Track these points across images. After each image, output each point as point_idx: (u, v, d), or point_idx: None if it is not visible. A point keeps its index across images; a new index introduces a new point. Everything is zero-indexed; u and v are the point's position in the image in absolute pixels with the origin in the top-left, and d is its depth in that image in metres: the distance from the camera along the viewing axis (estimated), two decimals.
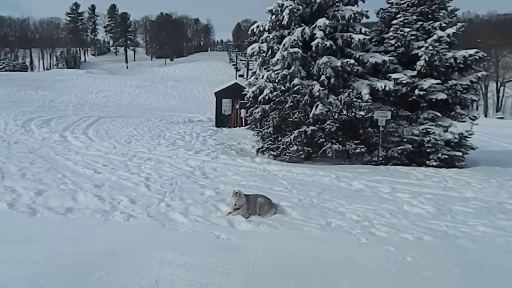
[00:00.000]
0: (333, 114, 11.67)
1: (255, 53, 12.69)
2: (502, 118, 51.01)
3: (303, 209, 5.93)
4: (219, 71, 70.54)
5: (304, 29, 11.47)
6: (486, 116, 55.41)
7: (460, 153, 11.39)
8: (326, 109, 11.09)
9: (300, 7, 11.72)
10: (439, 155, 11.22)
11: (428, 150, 11.39)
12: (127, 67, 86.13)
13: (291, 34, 11.63)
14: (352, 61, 11.28)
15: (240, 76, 56.62)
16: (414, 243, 4.75)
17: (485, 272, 4.00)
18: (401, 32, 12.00)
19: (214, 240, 4.48)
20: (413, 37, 12.00)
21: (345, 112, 12.13)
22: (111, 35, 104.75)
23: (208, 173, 8.60)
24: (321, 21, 11.28)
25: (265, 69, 13.03)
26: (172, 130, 17.72)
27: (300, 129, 11.43)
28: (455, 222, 5.76)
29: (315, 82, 11.33)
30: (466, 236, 5.10)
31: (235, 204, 5.42)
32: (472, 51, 11.88)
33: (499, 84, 62.50)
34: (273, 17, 12.27)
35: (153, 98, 43.13)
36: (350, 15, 11.48)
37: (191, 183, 7.49)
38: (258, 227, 5.00)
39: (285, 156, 11.58)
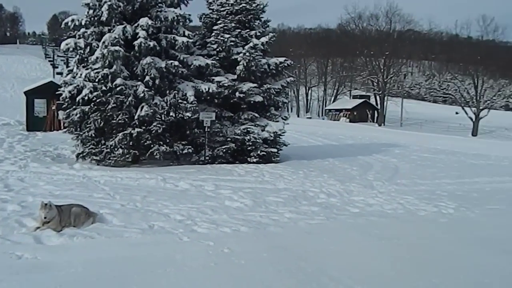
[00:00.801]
0: (160, 115, 11.59)
1: (71, 49, 11.64)
2: (310, 118, 59.41)
3: (125, 214, 5.71)
4: (32, 68, 61.74)
5: (125, 27, 11.04)
6: (298, 116, 63.63)
7: (275, 150, 12.79)
8: (152, 110, 10.93)
9: (121, 4, 11.22)
10: (258, 152, 12.37)
11: (249, 148, 12.42)
12: None
13: (111, 31, 11.05)
14: (176, 63, 11.40)
15: (58, 74, 50.78)
16: (232, 235, 5.12)
17: (287, 252, 4.60)
18: (222, 38, 12.74)
19: (15, 261, 3.91)
20: (232, 43, 12.89)
21: (172, 113, 12.21)
22: None
23: (13, 185, 7.45)
24: (144, 21, 11.06)
25: (83, 67, 12.01)
26: None
27: (126, 132, 10.96)
28: (268, 211, 6.46)
29: (139, 82, 11.04)
30: (275, 223, 5.77)
31: (44, 217, 4.84)
32: (282, 59, 13.47)
33: (307, 88, 72.56)
34: (91, 11, 11.44)
35: None
36: (173, 17, 11.59)
37: None
38: (71, 239, 4.59)
39: (110, 161, 10.95)
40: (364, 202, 7.61)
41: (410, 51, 69.17)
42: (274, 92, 13.03)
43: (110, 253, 4.27)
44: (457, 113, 61.74)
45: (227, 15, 13.29)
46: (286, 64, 13.49)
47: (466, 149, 20.92)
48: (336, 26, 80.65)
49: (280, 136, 13.03)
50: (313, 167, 11.83)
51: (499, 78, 56.04)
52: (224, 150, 12.28)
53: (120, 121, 11.06)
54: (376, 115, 59.79)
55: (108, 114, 11.07)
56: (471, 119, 51.04)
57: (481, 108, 51.64)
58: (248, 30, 13.40)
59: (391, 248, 4.94)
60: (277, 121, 13.03)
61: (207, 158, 12.13)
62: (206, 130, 11.99)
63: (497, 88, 54.50)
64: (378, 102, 60.17)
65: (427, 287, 3.84)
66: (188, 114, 12.12)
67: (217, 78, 12.39)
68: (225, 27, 12.90)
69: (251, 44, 12.62)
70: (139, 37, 10.92)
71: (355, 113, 58.11)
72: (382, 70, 58.42)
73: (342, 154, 15.33)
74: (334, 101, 72.01)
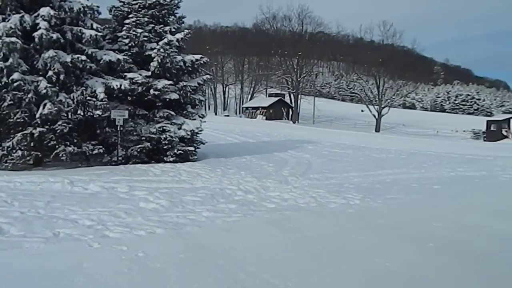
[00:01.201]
0: (66, 113, 10.76)
1: None
2: (228, 115, 59.77)
3: (26, 223, 5.20)
4: None
5: (23, 16, 10.05)
6: (216, 114, 63.63)
7: (192, 148, 12.63)
8: (56, 108, 10.10)
9: None
10: (175, 151, 12.11)
11: (165, 147, 12.10)
12: None
13: (6, 20, 9.97)
14: (84, 57, 10.68)
15: None
16: (147, 238, 4.94)
17: (205, 251, 4.57)
18: (134, 32, 12.22)
19: None
20: (146, 39, 12.42)
21: (80, 111, 11.42)
22: None
23: None
24: (45, 10, 10.16)
25: None
26: None
27: (25, 131, 9.99)
28: (185, 211, 6.35)
29: (41, 78, 10.13)
30: (193, 222, 5.71)
31: None
32: (198, 56, 13.33)
33: (224, 86, 72.86)
34: None
35: None
36: (79, 8, 10.84)
37: None
38: None
39: (7, 164, 9.91)
40: (279, 197, 7.86)
41: (320, 52, 73.04)
42: (191, 90, 12.85)
43: (6, 267, 3.85)
44: (362, 111, 66.67)
45: (139, 9, 12.77)
46: (202, 62, 13.39)
47: (371, 144, 22.72)
48: (251, 25, 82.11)
49: (198, 134, 12.91)
50: (230, 165, 11.92)
51: (397, 79, 61.66)
52: (139, 150, 11.81)
53: (18, 120, 10.06)
54: (291, 112, 62.13)
55: (4, 112, 10.00)
56: (375, 116, 55.57)
57: (382, 106, 56.46)
58: (162, 25, 13.03)
59: (305, 240, 5.17)
60: (194, 119, 12.88)
61: (120, 158, 11.57)
62: (118, 129, 11.41)
63: (395, 88, 59.92)
64: (293, 100, 62.61)
65: (337, 274, 4.09)
66: (98, 112, 11.45)
67: (129, 75, 11.86)
68: (138, 22, 12.39)
69: (165, 40, 12.29)
70: (40, 28, 10.01)
71: (271, 111, 59.76)
72: (295, 70, 60.82)
73: (259, 151, 15.67)
74: (251, 99, 73.30)
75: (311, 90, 67.54)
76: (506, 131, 49.97)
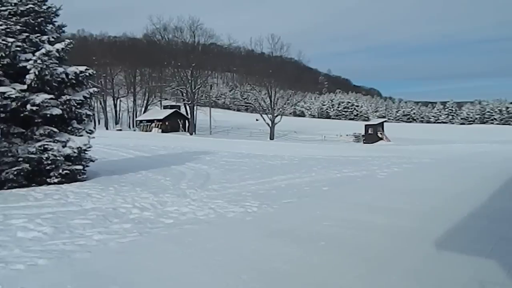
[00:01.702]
0: None
1: None
2: (120, 130, 56.84)
3: None
4: None
5: None
6: (107, 128, 60.04)
7: (81, 167, 11.68)
8: None
9: None
10: (60, 171, 11.06)
11: (48, 168, 10.97)
12: None
13: None
14: None
15: None
16: (27, 272, 4.40)
17: (97, 278, 4.24)
18: (5, 42, 10.89)
19: None
20: (19, 49, 11.17)
21: None
22: None
23: None
24: None
25: None
26: None
27: None
28: (73, 237, 5.83)
29: None
30: (82, 248, 5.26)
31: None
32: (82, 68, 12.42)
33: (115, 99, 69.29)
34: None
35: None
36: None
37: None
38: None
39: None
40: (178, 211, 7.69)
41: (214, 63, 74.28)
42: (76, 104, 11.90)
43: None
44: (257, 120, 69.19)
45: (9, 16, 11.45)
46: (88, 74, 12.50)
47: (266, 152, 23.63)
48: (142, 36, 79.64)
49: (86, 152, 11.98)
50: (124, 182, 11.32)
51: (287, 89, 65.52)
52: (16, 172, 10.51)
53: None
54: (187, 124, 61.59)
55: None
56: (269, 124, 58.09)
57: (275, 115, 59.33)
58: (39, 34, 11.88)
59: (205, 253, 5.13)
60: (81, 135, 11.94)
61: None
62: None
63: (286, 97, 63.50)
64: (189, 112, 62.18)
65: (238, 284, 4.13)
66: None
67: (1, 89, 10.53)
68: (8, 30, 11.09)
69: (43, 51, 11.21)
70: None
71: (167, 123, 58.50)
72: (190, 81, 60.64)
73: (155, 166, 15.17)
74: (144, 111, 70.85)
75: (207, 101, 67.96)
76: (380, 133, 56.37)
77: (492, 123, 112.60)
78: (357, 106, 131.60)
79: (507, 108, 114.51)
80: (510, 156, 21.36)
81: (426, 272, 4.48)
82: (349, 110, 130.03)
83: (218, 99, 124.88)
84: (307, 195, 9.47)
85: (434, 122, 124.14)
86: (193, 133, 57.07)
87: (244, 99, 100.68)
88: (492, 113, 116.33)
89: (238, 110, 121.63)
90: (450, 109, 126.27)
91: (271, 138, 56.12)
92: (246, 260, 4.87)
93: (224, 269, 4.58)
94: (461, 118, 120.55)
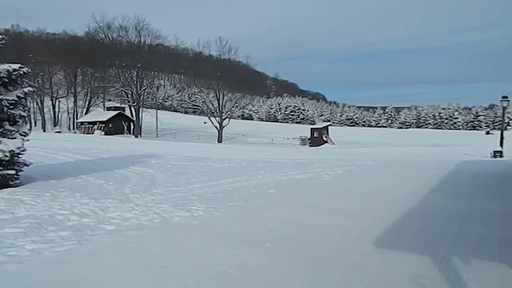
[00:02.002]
0: None
1: None
2: (59, 132, 53.89)
3: None
4: None
5: None
6: (44, 131, 56.67)
7: (13, 171, 10.89)
8: None
9: None
10: None
11: None
12: None
13: None
14: None
15: None
16: None
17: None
18: None
19: None
20: None
21: None
22: None
23: None
24: None
25: None
26: None
27: None
28: (3, 247, 5.41)
29: None
30: (13, 259, 4.90)
31: None
32: (16, 66, 11.61)
33: (54, 100, 65.59)
34: None
35: None
36: None
37: None
38: None
39: None
40: (120, 217, 7.42)
41: (161, 64, 72.59)
42: (8, 104, 11.09)
43: None
44: (205, 122, 68.71)
45: None
46: (22, 72, 11.70)
47: (214, 155, 23.49)
48: (84, 34, 76.01)
49: (19, 155, 11.19)
50: (63, 187, 10.71)
51: (235, 92, 65.70)
52: None
53: None
54: (132, 126, 59.69)
55: None
56: (217, 127, 57.88)
57: (223, 117, 59.23)
58: None
59: (149, 260, 4.98)
60: (14, 138, 11.14)
61: None
62: None
63: (234, 100, 63.65)
64: (134, 114, 60.31)
65: None
66: None
67: None
68: None
69: None
70: None
71: (110, 125, 56.33)
72: (135, 82, 58.88)
73: (97, 169, 14.52)
74: (86, 113, 67.72)
75: (153, 103, 66.38)
76: (325, 137, 58.24)
77: (426, 127, 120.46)
78: (304, 110, 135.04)
79: (440, 113, 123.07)
80: (443, 158, 22.94)
81: (365, 270, 4.67)
82: (296, 114, 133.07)
83: (165, 101, 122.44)
84: (254, 198, 9.53)
85: (375, 126, 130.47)
86: (139, 135, 55.40)
87: (192, 101, 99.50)
88: (426, 118, 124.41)
89: (186, 113, 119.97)
90: (389, 114, 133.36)
91: (219, 141, 55.93)
92: (191, 265, 4.79)
93: (168, 275, 4.47)
94: (399, 123, 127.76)
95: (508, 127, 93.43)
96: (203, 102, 68.99)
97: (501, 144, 25.05)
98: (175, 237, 6.08)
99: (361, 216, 7.53)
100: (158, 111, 65.09)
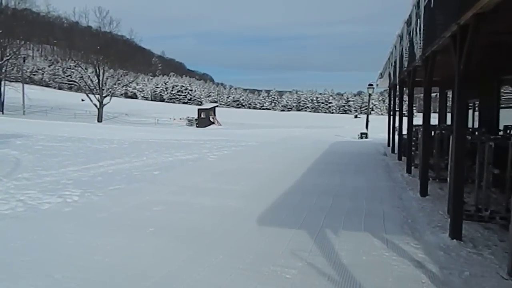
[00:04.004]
0: None
1: None
2: None
3: None
4: None
5: None
6: None
7: None
8: None
9: None
10: None
11: None
12: None
13: None
14: None
15: None
16: None
17: None
18: None
19: None
20: None
21: None
22: None
23: None
24: None
25: None
26: None
27: None
28: None
29: None
30: None
31: None
32: None
33: None
34: None
35: None
36: None
37: None
38: None
39: None
40: None
41: (29, 32, 63.88)
42: None
43: None
44: (83, 100, 63.20)
45: None
46: None
47: (93, 135, 21.73)
48: None
49: None
50: None
51: (118, 68, 61.42)
52: None
53: None
54: None
55: None
56: (96, 106, 53.67)
57: (104, 95, 55.17)
58: None
59: (9, 254, 4.34)
60: None
61: None
62: None
63: (116, 77, 59.62)
64: None
65: (48, 286, 3.61)
66: None
67: None
68: None
69: None
70: None
71: None
72: None
73: None
74: None
75: (19, 75, 58.47)
76: (212, 118, 58.59)
77: (305, 110, 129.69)
78: (191, 90, 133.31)
79: (317, 98, 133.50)
80: (319, 139, 24.91)
81: (248, 248, 4.78)
82: (182, 94, 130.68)
83: (34, 75, 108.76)
84: (137, 181, 9.07)
85: (260, 108, 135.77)
86: (1, 112, 48.39)
87: (67, 76, 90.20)
88: (306, 102, 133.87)
89: (60, 89, 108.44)
90: (273, 97, 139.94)
91: (99, 120, 52.04)
92: (63, 256, 4.32)
93: (33, 270, 3.95)
94: (282, 106, 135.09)
95: (372, 112, 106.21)
96: (80, 77, 63.01)
97: (367, 127, 28.25)
98: (43, 227, 5.42)
99: (246, 195, 7.71)
100: (26, 85, 57.51)
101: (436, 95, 16.84)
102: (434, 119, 11.40)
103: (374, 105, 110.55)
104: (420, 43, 5.44)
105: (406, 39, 6.34)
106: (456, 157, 5.04)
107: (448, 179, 6.35)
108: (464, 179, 5.25)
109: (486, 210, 6.00)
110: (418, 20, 5.30)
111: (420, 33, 5.37)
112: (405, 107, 13.34)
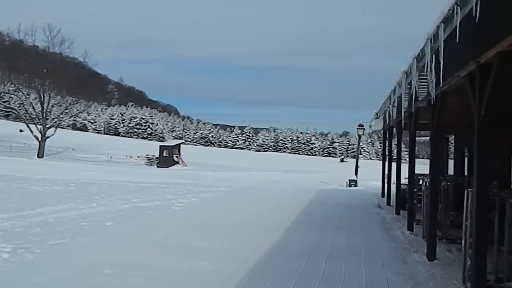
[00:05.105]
0: None
1: None
2: None
3: None
4: None
5: None
6: None
7: None
8: None
9: None
10: None
11: None
12: None
13: None
14: None
15: None
16: None
17: None
18: None
19: None
20: None
21: None
22: None
23: None
24: None
25: None
26: None
27: None
28: None
29: None
30: None
31: None
32: None
33: None
34: None
35: None
36: None
37: None
38: None
39: None
40: None
41: None
42: None
43: None
44: (21, 130, 61.63)
45: None
46: None
47: (31, 173, 21.04)
48: None
49: None
50: None
51: (66, 95, 60.73)
52: None
53: None
54: None
55: None
56: (37, 138, 52.33)
57: (47, 126, 54.01)
58: None
59: None
60: None
61: None
62: None
63: (64, 105, 58.81)
64: None
65: None
66: None
67: None
68: None
69: None
70: None
71: None
72: None
73: None
74: None
75: None
76: (177, 156, 58.09)
77: (284, 151, 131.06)
78: (152, 123, 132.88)
79: (298, 137, 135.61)
80: (302, 186, 24.87)
81: None
82: (142, 128, 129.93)
83: None
84: (85, 233, 8.55)
85: (232, 147, 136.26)
86: None
87: (4, 102, 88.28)
88: (284, 141, 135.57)
89: None
90: (247, 135, 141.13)
91: (40, 155, 50.61)
92: None
93: None
94: (257, 145, 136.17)
95: (359, 156, 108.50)
96: (20, 104, 61.80)
97: (356, 173, 28.52)
98: None
99: (221, 255, 7.33)
100: None
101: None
102: (420, 166, 11.58)
103: (363, 148, 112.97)
104: (432, 80, 5.48)
105: (416, 77, 6.40)
106: (478, 218, 4.92)
107: (463, 241, 6.22)
108: (487, 243, 5.11)
109: (508, 280, 5.87)
110: (433, 55, 5.36)
111: (432, 70, 5.41)
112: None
